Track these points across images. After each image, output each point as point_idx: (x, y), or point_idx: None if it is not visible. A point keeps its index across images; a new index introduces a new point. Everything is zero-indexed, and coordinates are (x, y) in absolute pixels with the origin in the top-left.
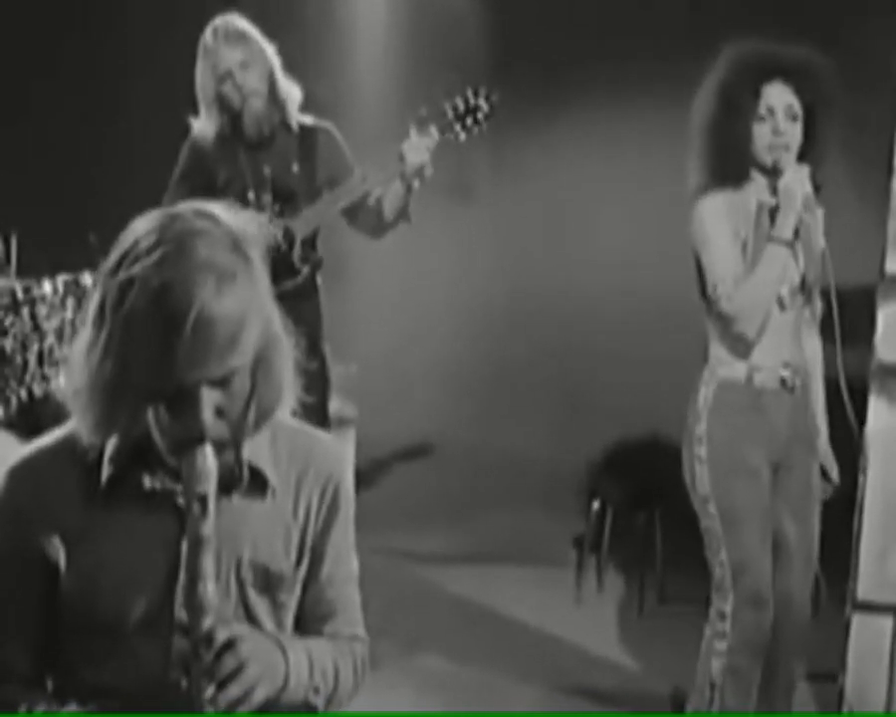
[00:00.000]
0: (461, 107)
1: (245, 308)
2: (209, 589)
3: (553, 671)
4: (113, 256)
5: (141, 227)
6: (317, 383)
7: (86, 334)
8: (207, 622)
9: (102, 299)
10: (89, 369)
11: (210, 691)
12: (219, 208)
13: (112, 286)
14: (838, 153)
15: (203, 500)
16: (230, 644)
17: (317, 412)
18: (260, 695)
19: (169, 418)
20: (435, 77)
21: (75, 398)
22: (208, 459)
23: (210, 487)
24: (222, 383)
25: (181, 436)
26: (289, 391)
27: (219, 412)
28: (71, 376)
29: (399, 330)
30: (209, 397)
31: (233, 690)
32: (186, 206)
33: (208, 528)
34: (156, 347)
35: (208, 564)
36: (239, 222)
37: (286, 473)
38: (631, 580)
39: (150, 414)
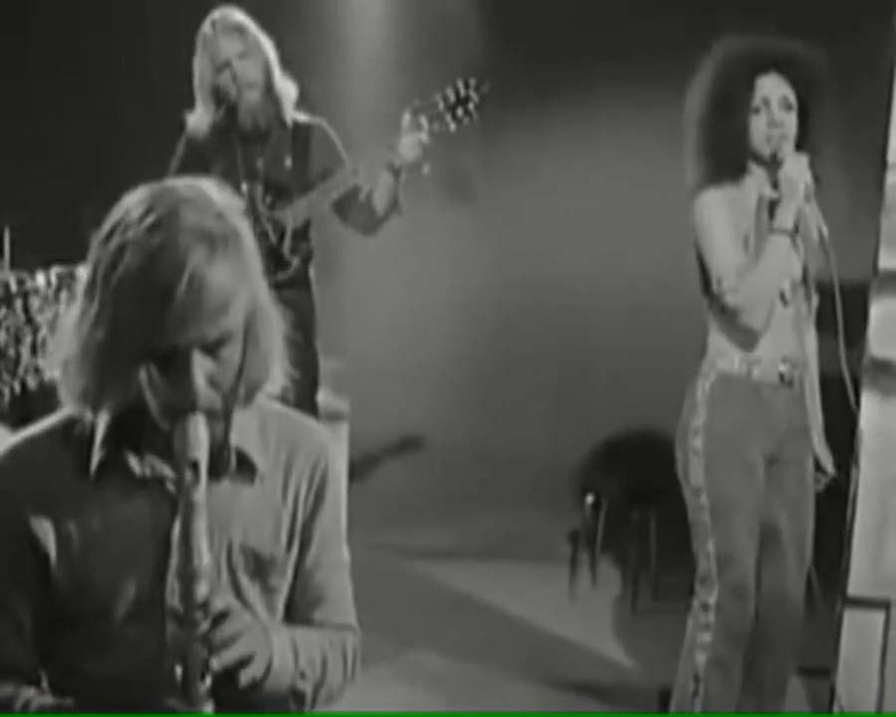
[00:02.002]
0: (451, 97)
1: (235, 275)
2: (203, 555)
3: (546, 667)
4: (105, 226)
5: (133, 199)
6: (306, 369)
7: (76, 305)
8: (202, 590)
9: (94, 267)
10: (79, 338)
11: (212, 661)
12: (207, 183)
13: (104, 253)
14: (833, 145)
15: (195, 466)
16: (226, 613)
17: (305, 395)
18: (256, 667)
19: (162, 381)
20: (430, 74)
21: (63, 370)
22: (200, 427)
23: (202, 454)
24: (213, 351)
25: (174, 402)
26: (277, 364)
27: (211, 382)
28: (60, 349)
29: (392, 324)
30: (201, 364)
31: (233, 652)
32: (176, 180)
33: (200, 494)
34: (149, 308)
35: (201, 529)
36: (227, 197)
37: (274, 458)
38: (625, 576)
39: (143, 375)
